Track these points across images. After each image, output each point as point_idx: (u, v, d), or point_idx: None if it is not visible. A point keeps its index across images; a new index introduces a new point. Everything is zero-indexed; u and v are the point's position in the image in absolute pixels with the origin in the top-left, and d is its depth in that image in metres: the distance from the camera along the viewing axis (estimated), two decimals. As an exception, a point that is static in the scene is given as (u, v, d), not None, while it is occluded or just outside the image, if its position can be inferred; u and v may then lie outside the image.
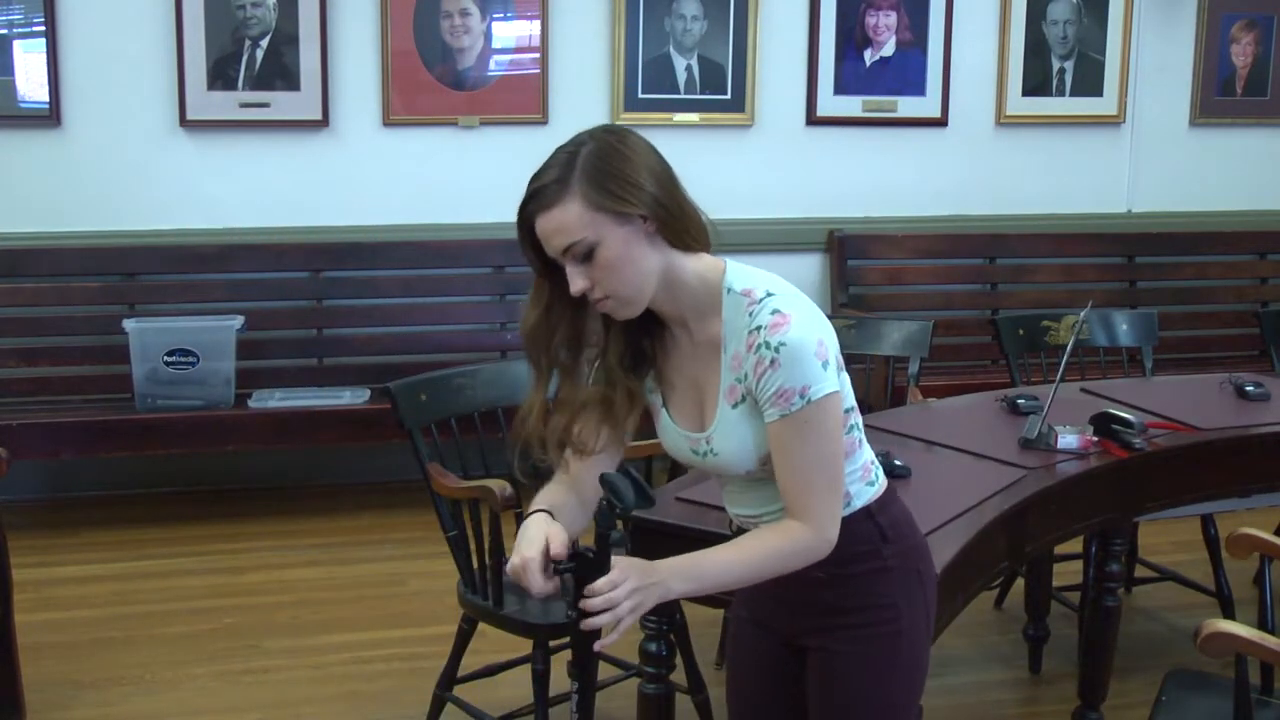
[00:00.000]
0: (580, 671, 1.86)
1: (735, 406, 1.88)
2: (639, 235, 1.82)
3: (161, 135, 4.99)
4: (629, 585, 1.76)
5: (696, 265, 1.88)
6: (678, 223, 1.85)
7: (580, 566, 1.78)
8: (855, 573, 1.94)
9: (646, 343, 1.96)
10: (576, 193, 1.79)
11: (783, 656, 2.08)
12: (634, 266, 1.82)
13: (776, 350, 1.80)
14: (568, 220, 1.79)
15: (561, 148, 1.85)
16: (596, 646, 1.79)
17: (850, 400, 1.93)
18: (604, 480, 1.78)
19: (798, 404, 1.80)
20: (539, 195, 1.81)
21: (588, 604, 1.75)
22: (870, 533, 1.95)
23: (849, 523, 1.93)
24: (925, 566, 2.05)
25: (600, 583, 1.75)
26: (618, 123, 1.95)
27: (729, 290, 1.87)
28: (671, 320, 1.93)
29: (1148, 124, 5.83)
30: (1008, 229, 5.70)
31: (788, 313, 1.82)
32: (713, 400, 1.91)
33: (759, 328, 1.82)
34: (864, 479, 1.97)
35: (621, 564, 1.78)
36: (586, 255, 1.80)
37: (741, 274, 1.89)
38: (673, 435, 1.99)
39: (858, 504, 1.96)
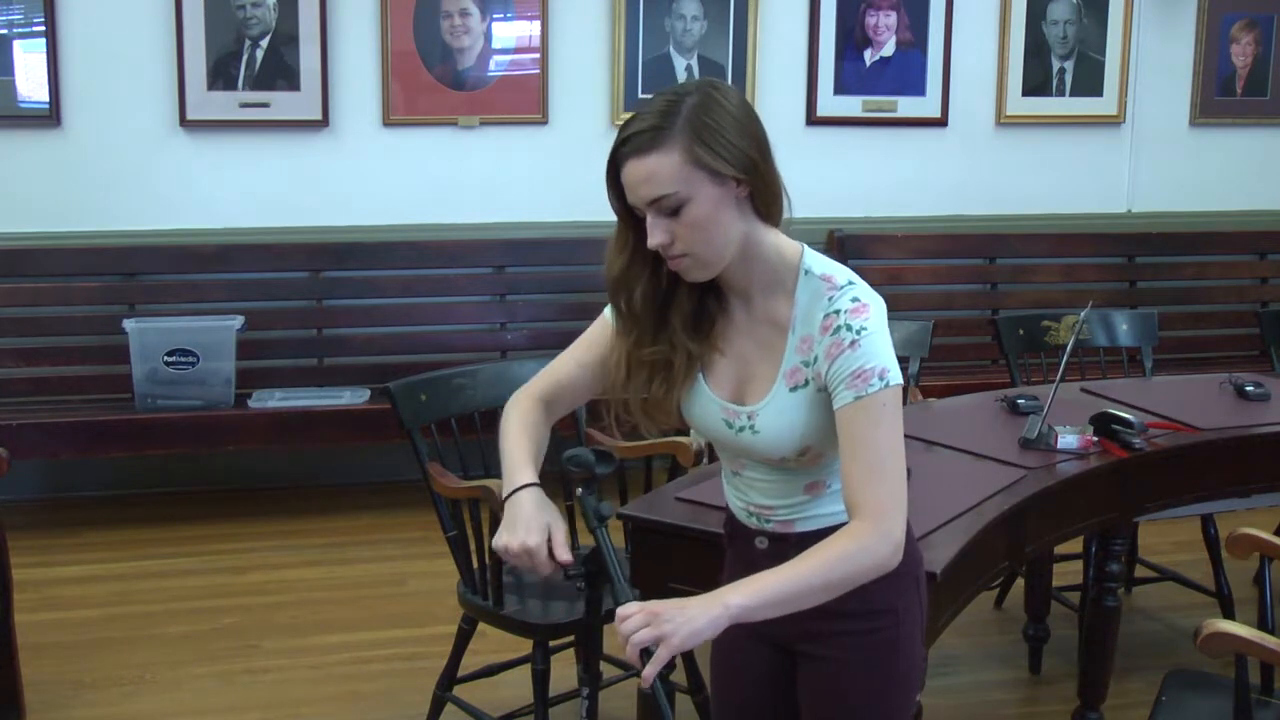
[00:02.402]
0: (589, 674, 1.85)
1: (794, 390, 1.85)
2: (730, 199, 1.78)
3: (161, 135, 4.99)
4: (638, 617, 1.67)
5: (775, 240, 1.86)
6: (768, 192, 1.82)
7: (589, 572, 1.78)
8: None
9: (712, 302, 1.91)
10: (677, 143, 1.73)
11: (773, 661, 2.03)
12: (720, 230, 1.78)
13: (858, 333, 1.78)
14: (662, 170, 1.73)
15: (660, 94, 1.78)
16: (644, 683, 1.67)
17: None
18: (567, 459, 1.75)
19: (876, 385, 1.77)
20: (636, 139, 1.74)
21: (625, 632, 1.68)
22: None
23: None
24: (922, 572, 2.03)
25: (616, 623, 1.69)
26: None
27: (807, 272, 1.85)
28: (734, 290, 1.89)
29: (1148, 124, 5.83)
30: (1008, 229, 5.69)
31: (868, 303, 1.81)
32: (766, 379, 1.87)
33: (839, 311, 1.80)
34: None
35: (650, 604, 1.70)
36: (674, 210, 1.75)
37: (821, 259, 1.87)
38: (706, 402, 1.93)
39: None
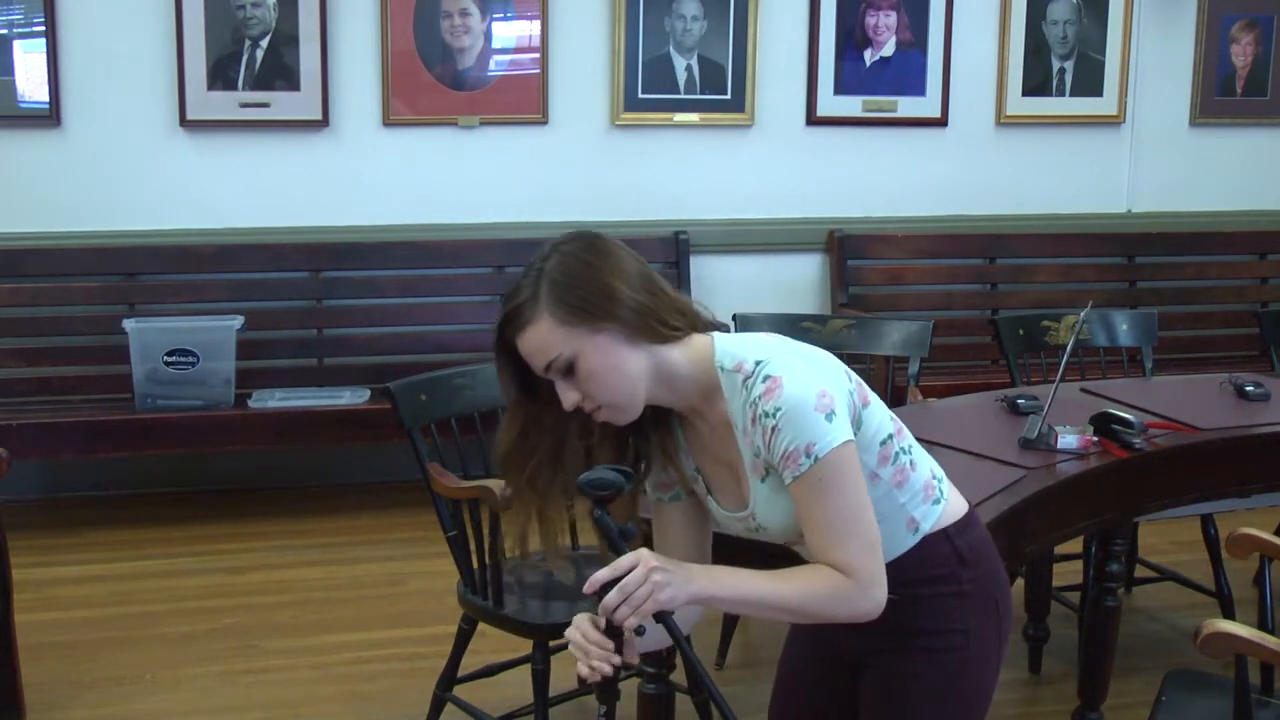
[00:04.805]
0: (607, 690, 1.83)
1: (764, 480, 1.86)
2: (617, 340, 1.79)
3: (161, 135, 4.99)
4: (643, 566, 1.70)
5: (686, 353, 1.84)
6: (656, 319, 1.81)
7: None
8: (928, 595, 1.91)
9: (676, 425, 1.94)
10: (544, 310, 1.77)
11: (837, 672, 2.06)
12: (618, 373, 1.79)
13: (774, 416, 1.77)
14: (542, 339, 1.78)
15: (531, 263, 1.82)
16: (624, 630, 1.71)
17: (889, 427, 1.91)
18: (584, 484, 1.75)
19: (805, 464, 1.77)
20: (513, 317, 1.80)
21: (603, 591, 1.70)
22: (947, 555, 1.92)
23: (925, 544, 1.91)
24: (1003, 598, 2.01)
25: (602, 572, 1.70)
26: (591, 231, 1.92)
27: (722, 369, 1.84)
28: (681, 410, 1.90)
29: (1148, 124, 5.83)
30: (1008, 229, 5.69)
31: (779, 375, 1.79)
32: (745, 477, 1.89)
33: (755, 401, 1.79)
34: (927, 499, 1.94)
35: (639, 552, 1.74)
36: (568, 369, 1.78)
37: (730, 348, 1.85)
38: (723, 519, 1.96)
39: (927, 525, 1.92)
